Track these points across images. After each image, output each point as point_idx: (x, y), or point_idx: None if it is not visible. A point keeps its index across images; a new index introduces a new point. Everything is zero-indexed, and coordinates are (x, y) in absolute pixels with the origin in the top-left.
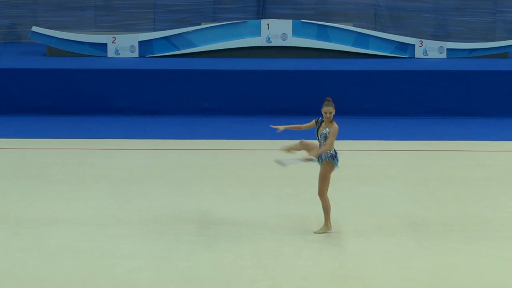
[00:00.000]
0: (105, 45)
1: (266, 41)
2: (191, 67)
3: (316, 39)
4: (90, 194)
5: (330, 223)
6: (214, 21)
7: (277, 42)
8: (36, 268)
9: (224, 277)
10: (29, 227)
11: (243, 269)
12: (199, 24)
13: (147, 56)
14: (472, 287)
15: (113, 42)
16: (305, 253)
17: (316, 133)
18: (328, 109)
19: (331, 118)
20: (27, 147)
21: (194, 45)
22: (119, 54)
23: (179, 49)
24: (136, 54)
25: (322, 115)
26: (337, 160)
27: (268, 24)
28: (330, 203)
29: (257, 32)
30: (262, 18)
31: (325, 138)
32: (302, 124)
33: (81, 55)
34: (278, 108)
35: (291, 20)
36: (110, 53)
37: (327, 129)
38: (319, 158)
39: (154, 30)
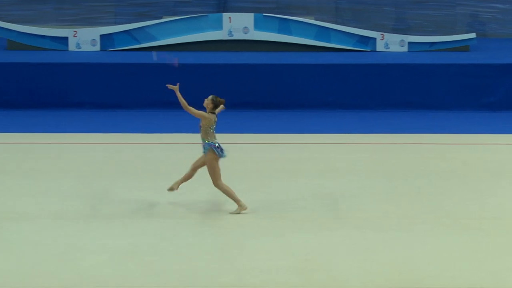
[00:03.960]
0: (66, 38)
1: (228, 34)
2: (153, 61)
3: (278, 33)
4: (52, 188)
5: (241, 203)
6: (175, 14)
7: (238, 35)
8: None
9: (190, 271)
10: None
11: (209, 263)
12: (160, 18)
13: (108, 50)
14: (435, 279)
15: (74, 36)
16: (269, 246)
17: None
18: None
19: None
20: None
21: (155, 39)
22: (81, 48)
23: (140, 43)
24: (97, 47)
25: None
26: (222, 150)
27: (229, 17)
28: (231, 187)
29: (218, 25)
30: (222, 12)
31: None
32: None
33: (42, 49)
34: (239, 102)
35: (253, 14)
36: (71, 47)
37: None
38: (204, 148)
39: (115, 23)
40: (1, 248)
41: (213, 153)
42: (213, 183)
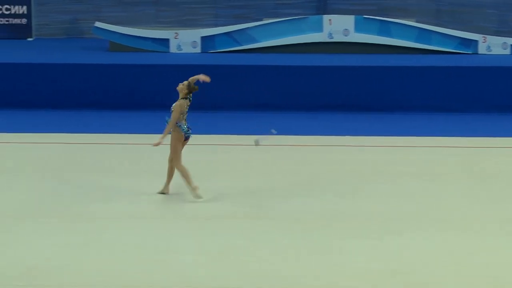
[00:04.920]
0: (167, 40)
1: (328, 36)
2: (254, 63)
3: (378, 35)
4: (146, 189)
5: (194, 188)
6: (274, 16)
7: (339, 37)
8: (92, 263)
9: (284, 272)
10: (86, 222)
11: (303, 264)
12: (260, 20)
13: (209, 52)
14: None
15: (175, 38)
16: (363, 248)
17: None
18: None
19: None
20: (87, 142)
21: (256, 41)
22: (182, 50)
23: (241, 45)
24: (198, 49)
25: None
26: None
27: (330, 19)
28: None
29: (318, 27)
30: (322, 14)
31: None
32: None
33: (143, 51)
34: (340, 104)
35: (353, 16)
36: (173, 48)
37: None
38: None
39: (215, 25)
40: (95, 249)
41: (178, 132)
42: (171, 159)
